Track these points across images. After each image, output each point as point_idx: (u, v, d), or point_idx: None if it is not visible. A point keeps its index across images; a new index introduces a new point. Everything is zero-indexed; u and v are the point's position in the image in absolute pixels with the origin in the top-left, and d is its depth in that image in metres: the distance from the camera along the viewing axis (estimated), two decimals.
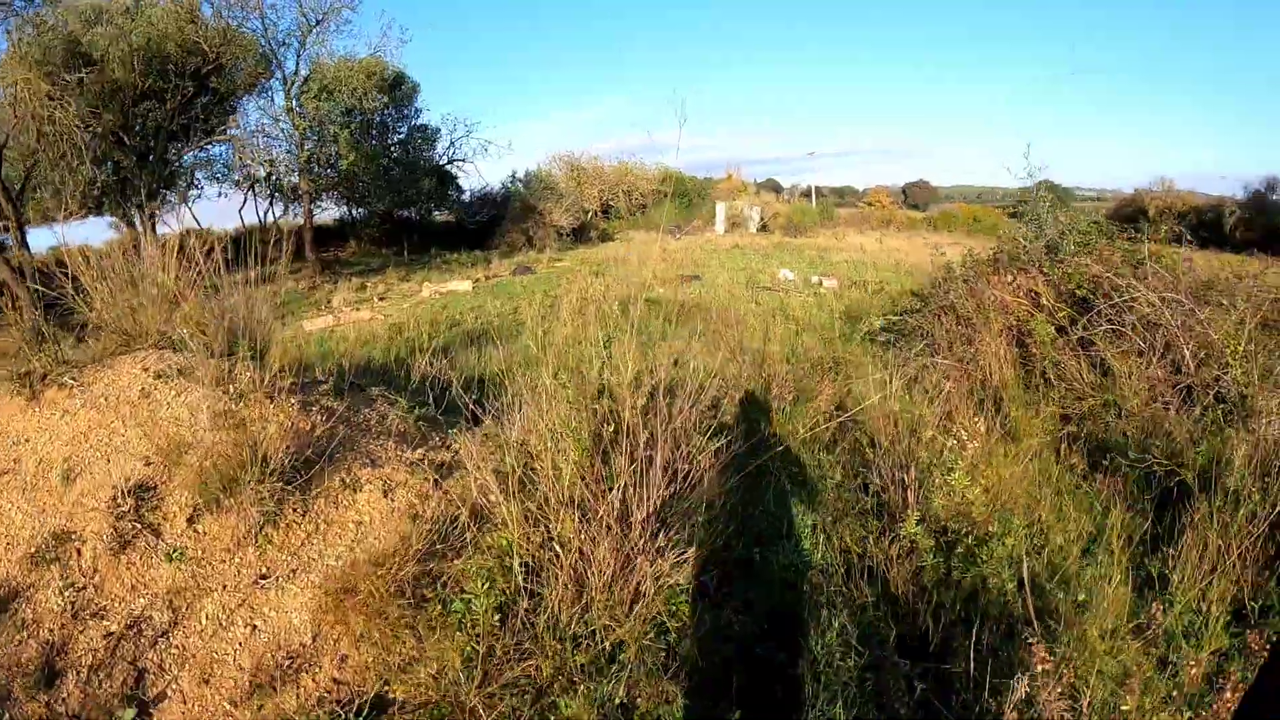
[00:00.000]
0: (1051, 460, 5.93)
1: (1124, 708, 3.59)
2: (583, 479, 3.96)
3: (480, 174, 45.65)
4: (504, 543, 3.80)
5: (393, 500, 4.40)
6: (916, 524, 4.45)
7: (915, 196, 67.64)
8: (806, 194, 51.26)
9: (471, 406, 4.78)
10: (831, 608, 4.06)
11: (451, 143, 32.03)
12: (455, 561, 3.88)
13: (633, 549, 3.78)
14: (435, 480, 4.49)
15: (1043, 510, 5.05)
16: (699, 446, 4.31)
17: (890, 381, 5.79)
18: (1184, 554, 4.64)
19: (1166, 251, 8.31)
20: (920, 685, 3.64)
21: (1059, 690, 3.59)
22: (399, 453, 4.90)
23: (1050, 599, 4.25)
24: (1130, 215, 26.33)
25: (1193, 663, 4.00)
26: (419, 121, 31.59)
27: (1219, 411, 6.43)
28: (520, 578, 3.71)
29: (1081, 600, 4.27)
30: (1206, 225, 37.15)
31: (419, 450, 4.95)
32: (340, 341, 12.42)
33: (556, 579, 3.68)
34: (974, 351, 7.69)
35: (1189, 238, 8.68)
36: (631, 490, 3.91)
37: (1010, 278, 8.45)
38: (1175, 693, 3.82)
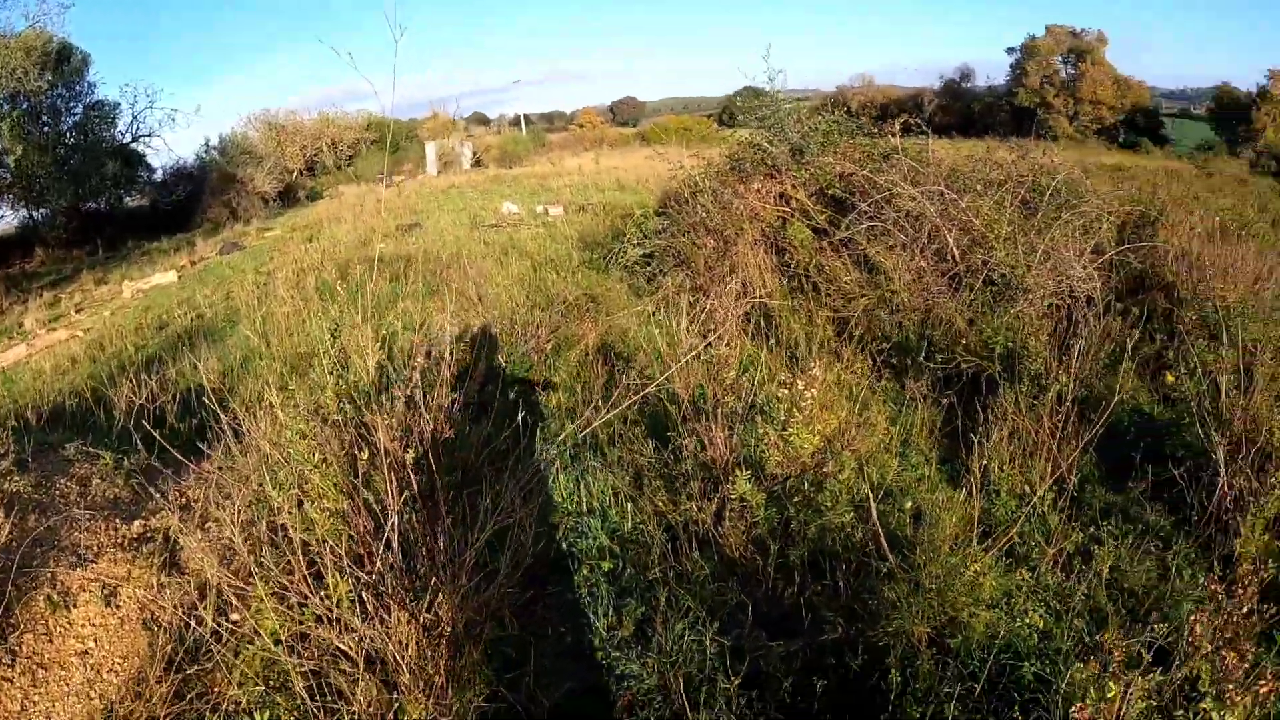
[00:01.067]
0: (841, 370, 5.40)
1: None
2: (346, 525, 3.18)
3: (170, 148, 40.79)
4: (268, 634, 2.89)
5: (119, 607, 3.42)
6: (747, 481, 3.78)
7: (623, 113, 68.03)
8: (515, 123, 50.40)
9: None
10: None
11: (134, 117, 28.11)
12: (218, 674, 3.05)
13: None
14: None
15: (851, 432, 4.59)
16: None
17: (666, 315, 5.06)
18: (997, 444, 4.55)
19: (908, 144, 8.02)
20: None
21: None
22: (113, 533, 3.87)
23: (890, 521, 3.88)
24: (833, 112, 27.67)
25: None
26: (94, 98, 27.30)
27: (989, 293, 6.13)
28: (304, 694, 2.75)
29: (909, 509, 3.99)
30: (908, 113, 40.66)
31: (137, 522, 3.99)
32: (36, 376, 10.17)
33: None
34: (731, 265, 7.00)
35: (924, 128, 8.38)
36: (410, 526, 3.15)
37: (758, 185, 7.83)
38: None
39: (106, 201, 29.13)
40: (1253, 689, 2.11)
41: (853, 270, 6.42)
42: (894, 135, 7.98)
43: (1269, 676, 2.13)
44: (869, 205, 6.75)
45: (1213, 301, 6.40)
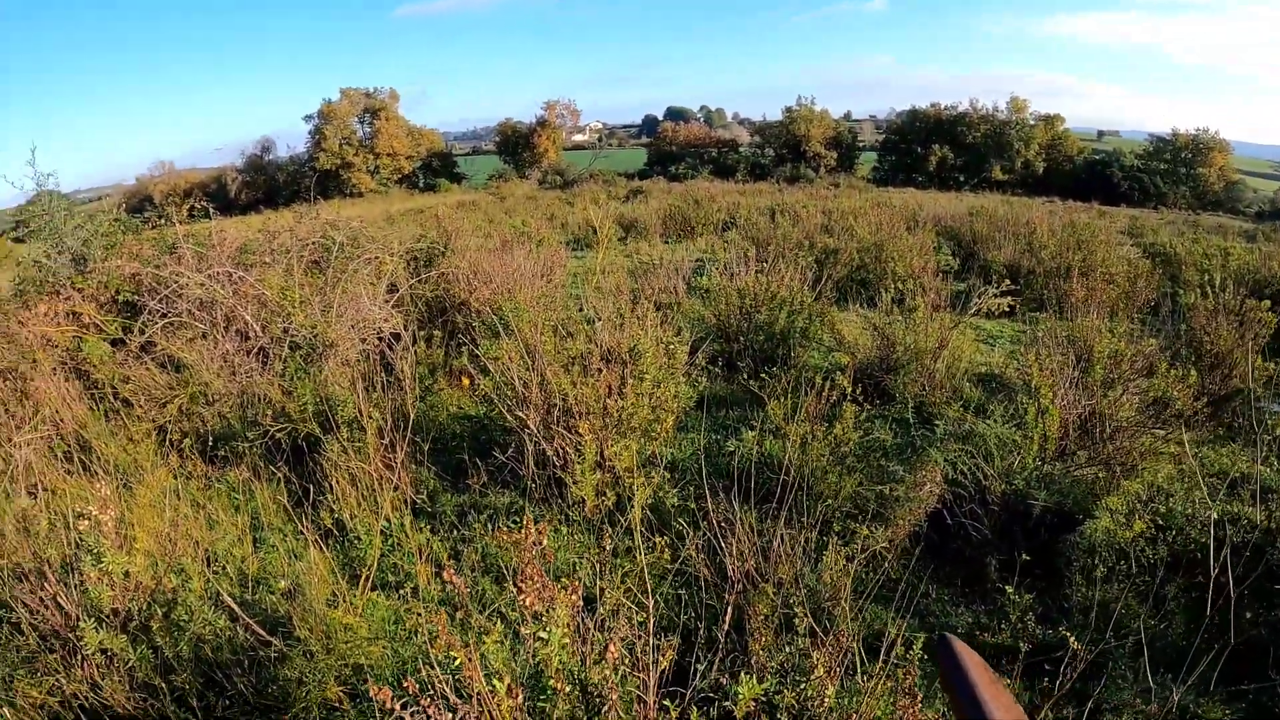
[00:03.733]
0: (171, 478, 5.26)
1: None
2: None
3: None
4: None
5: None
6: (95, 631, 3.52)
7: None
8: None
9: None
10: None
11: None
12: None
13: None
14: None
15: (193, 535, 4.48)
16: None
17: None
18: (340, 492, 4.88)
19: (196, 229, 8.02)
20: None
21: None
22: None
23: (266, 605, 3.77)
24: (138, 205, 26.21)
25: None
26: None
27: (298, 357, 6.48)
28: None
29: (282, 587, 4.07)
30: (212, 195, 40.37)
31: None
32: None
33: None
34: (34, 404, 6.34)
35: (211, 208, 8.47)
36: None
37: (44, 307, 7.16)
38: None
39: None
40: None
41: (159, 374, 6.27)
42: (180, 223, 7.90)
43: None
44: (159, 302, 6.63)
45: (491, 306, 7.60)
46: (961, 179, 51.88)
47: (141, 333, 6.50)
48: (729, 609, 3.22)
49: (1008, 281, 8.04)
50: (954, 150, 53.50)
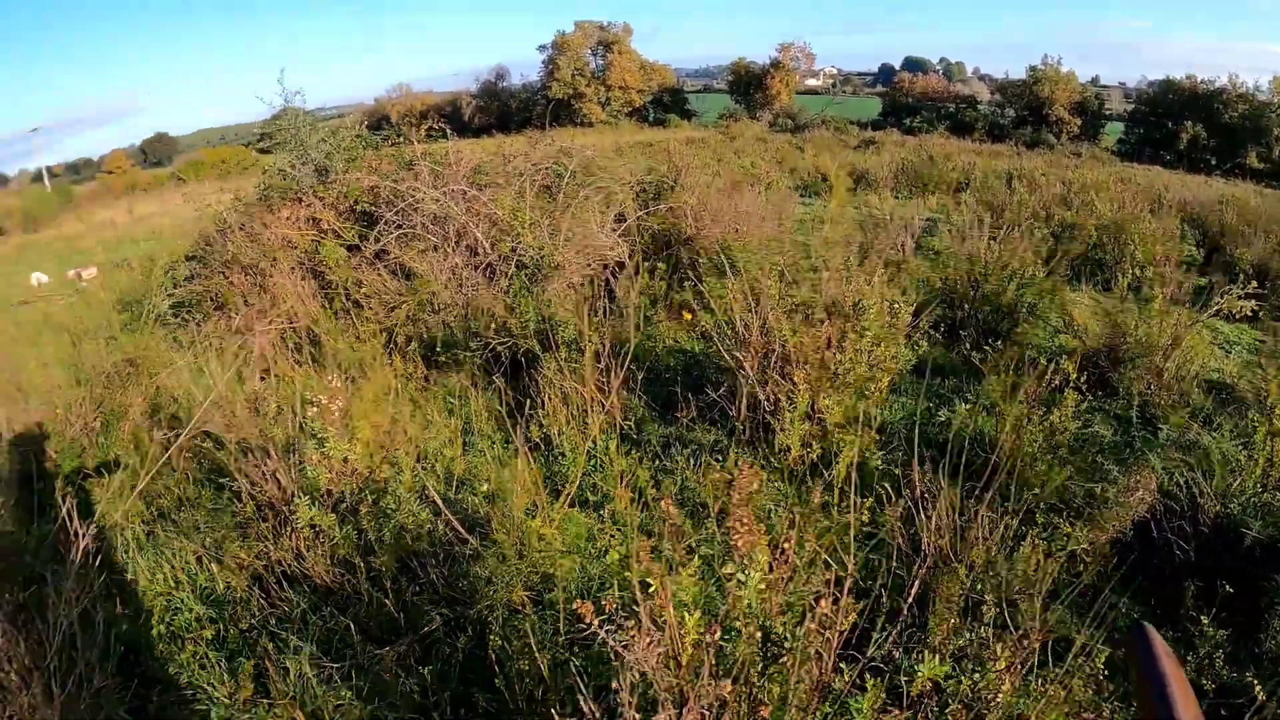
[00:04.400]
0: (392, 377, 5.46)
1: None
2: None
3: None
4: None
5: None
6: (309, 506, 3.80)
7: (156, 152, 62.70)
8: (38, 178, 45.38)
9: None
10: None
11: None
12: None
13: None
14: None
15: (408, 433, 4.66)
16: None
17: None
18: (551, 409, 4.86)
19: (433, 149, 8.24)
20: None
21: None
22: None
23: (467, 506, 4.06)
24: (375, 124, 27.70)
25: None
26: None
27: (523, 277, 6.53)
28: None
29: (484, 491, 4.23)
30: (447, 118, 42.12)
31: None
32: None
33: None
34: (271, 298, 6.77)
35: (447, 129, 8.69)
36: None
37: (287, 212, 7.62)
38: None
39: None
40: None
41: (390, 280, 6.52)
42: (418, 142, 8.16)
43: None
44: (395, 214, 6.87)
45: (718, 244, 7.40)
46: (1213, 162, 46.28)
47: (377, 240, 6.77)
48: (915, 582, 2.94)
49: (1254, 283, 7.01)
50: (1207, 129, 47.81)
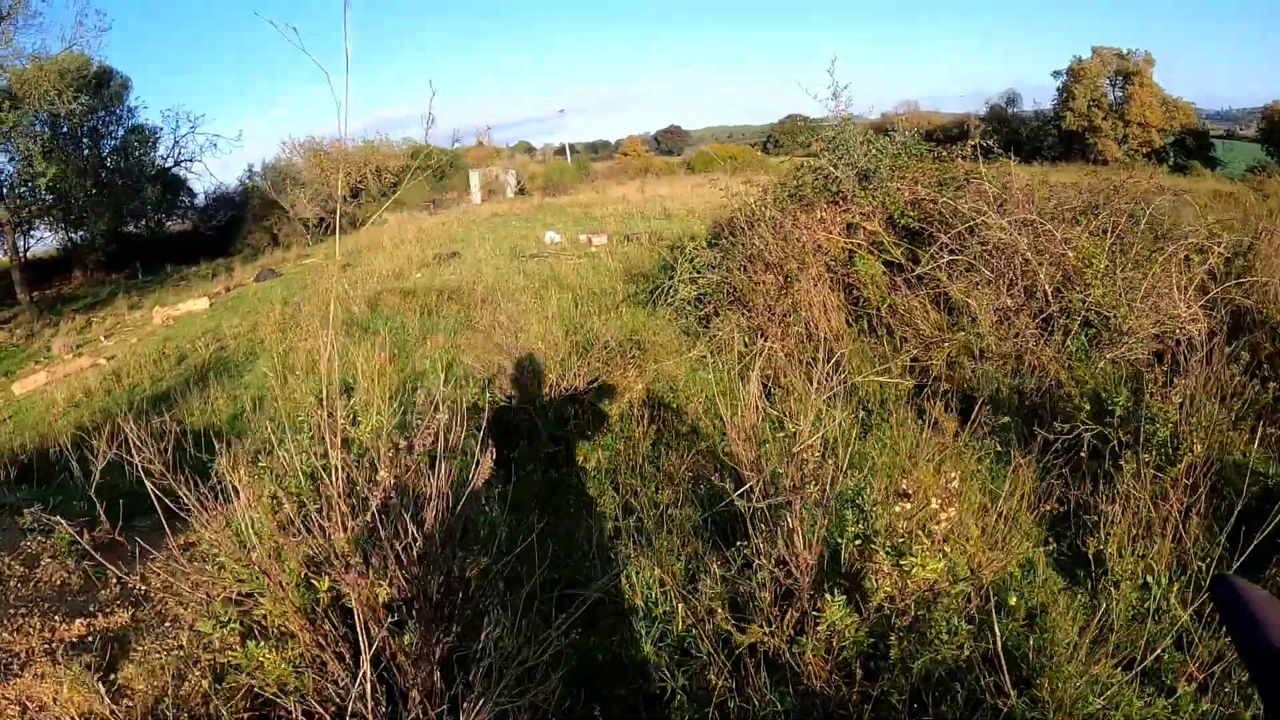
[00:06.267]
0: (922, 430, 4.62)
1: None
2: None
3: (212, 173, 41.25)
4: None
5: None
6: (841, 608, 2.84)
7: (668, 142, 68.07)
8: (560, 152, 50.76)
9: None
10: None
11: (175, 142, 28.20)
12: None
13: None
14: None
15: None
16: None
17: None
18: (1120, 525, 3.73)
19: (981, 169, 7.26)
20: None
21: None
22: (48, 634, 3.22)
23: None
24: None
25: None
26: (134, 122, 27.41)
27: (1084, 337, 5.42)
28: None
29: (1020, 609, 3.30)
30: (952, 140, 40.26)
31: (79, 621, 3.35)
32: (48, 408, 9.92)
33: None
34: (793, 303, 6.32)
35: (999, 150, 7.52)
36: None
37: (821, 213, 7.13)
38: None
39: (147, 225, 29.24)
40: None
41: (932, 311, 5.72)
42: (965, 157, 7.25)
43: None
44: (950, 237, 6.04)
45: None
46: None
47: (927, 263, 6.00)
48: None
49: None
50: None
